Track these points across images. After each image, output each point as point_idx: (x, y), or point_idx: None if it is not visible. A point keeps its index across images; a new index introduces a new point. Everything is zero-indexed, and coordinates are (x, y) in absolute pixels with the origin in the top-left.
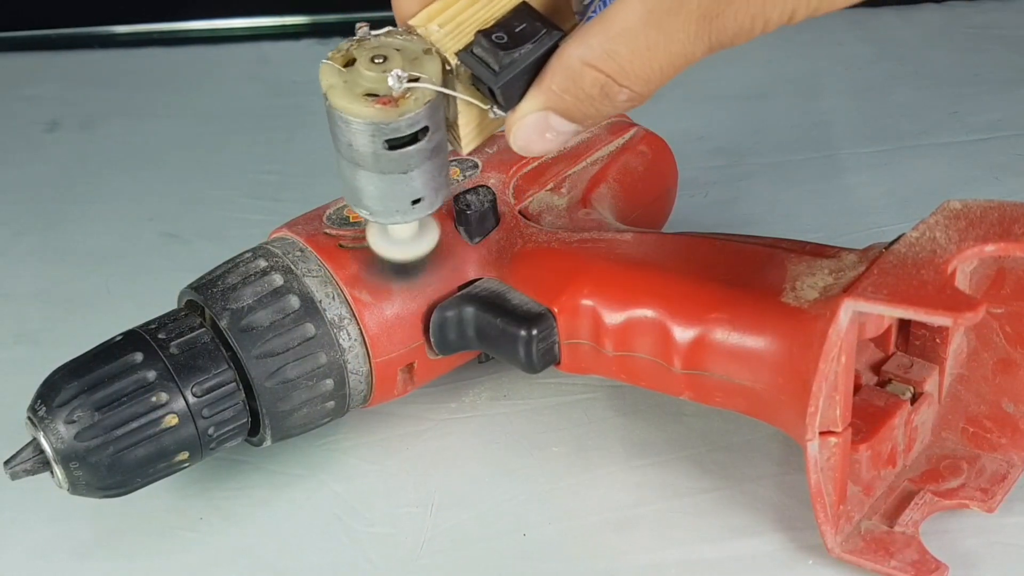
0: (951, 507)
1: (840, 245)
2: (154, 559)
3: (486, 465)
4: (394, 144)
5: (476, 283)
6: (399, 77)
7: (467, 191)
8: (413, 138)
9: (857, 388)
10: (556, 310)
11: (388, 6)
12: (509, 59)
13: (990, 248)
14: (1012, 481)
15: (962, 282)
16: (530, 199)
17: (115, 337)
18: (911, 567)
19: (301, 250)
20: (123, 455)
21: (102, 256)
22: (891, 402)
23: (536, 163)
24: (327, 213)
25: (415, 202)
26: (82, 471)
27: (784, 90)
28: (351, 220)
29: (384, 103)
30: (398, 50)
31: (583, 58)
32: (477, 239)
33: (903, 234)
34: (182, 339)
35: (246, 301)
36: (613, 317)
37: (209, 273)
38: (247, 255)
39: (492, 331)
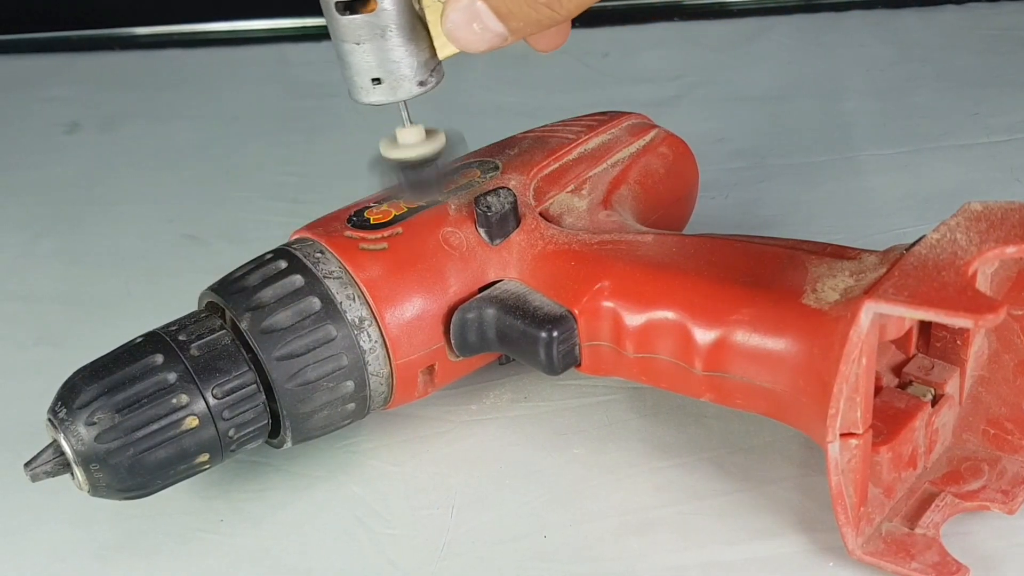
0: (972, 509)
1: (861, 247)
2: (174, 561)
3: (507, 467)
4: (344, 7)
5: (496, 285)
6: None
7: (487, 193)
8: (368, 10)
9: (878, 390)
10: (577, 312)
11: None
12: None
13: (1011, 250)
14: None
15: (983, 284)
16: (551, 201)
17: (135, 339)
18: (932, 569)
19: (322, 251)
20: (144, 457)
21: (122, 257)
22: (912, 404)
23: (557, 165)
24: (348, 215)
25: (375, 81)
26: (102, 473)
27: (805, 91)
28: (372, 222)
29: None
30: None
31: None
32: (498, 241)
33: (924, 236)
34: (203, 340)
35: (267, 302)
36: (634, 319)
37: (230, 274)
38: (268, 256)
39: (513, 333)
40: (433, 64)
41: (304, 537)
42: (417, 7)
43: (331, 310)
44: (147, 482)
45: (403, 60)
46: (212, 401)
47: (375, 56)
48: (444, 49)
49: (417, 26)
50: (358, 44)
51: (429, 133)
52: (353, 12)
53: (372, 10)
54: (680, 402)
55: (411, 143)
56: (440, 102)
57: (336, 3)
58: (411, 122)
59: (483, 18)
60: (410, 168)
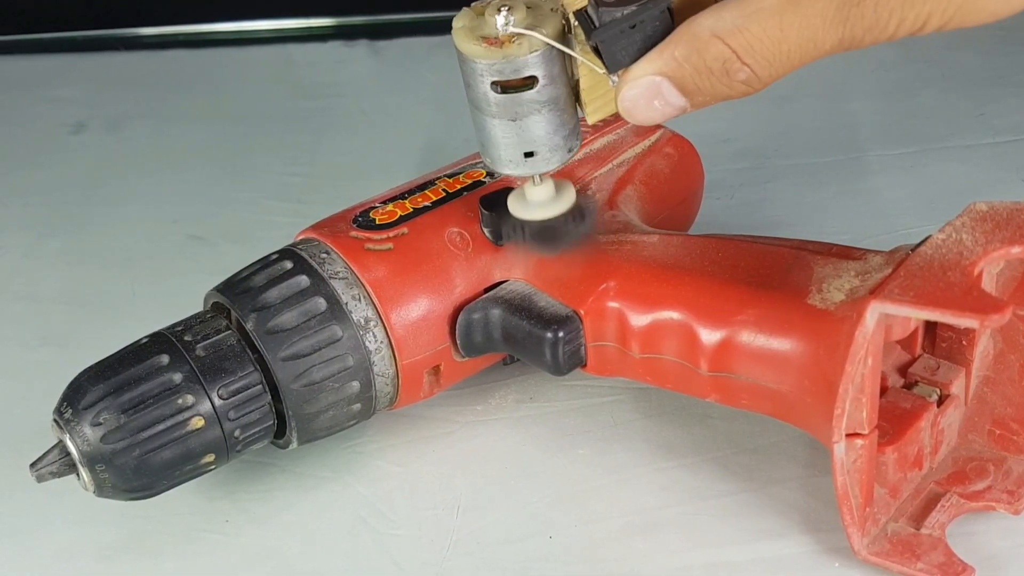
0: (977, 509)
1: (866, 247)
2: (180, 561)
3: (512, 467)
4: (503, 88)
5: (502, 285)
6: (506, 20)
7: (492, 193)
8: (523, 85)
9: (883, 390)
10: (582, 312)
11: (414, 7)
12: (610, 16)
13: (1017, 250)
14: None
15: (988, 284)
16: None
17: (141, 339)
18: (937, 569)
19: (327, 252)
20: (149, 457)
21: (128, 258)
22: (918, 404)
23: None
24: (354, 215)
25: (528, 155)
26: (108, 473)
27: (810, 92)
28: (378, 222)
29: (490, 43)
30: (529, 7)
31: (713, 29)
32: (503, 241)
33: (929, 236)
34: (208, 341)
35: (272, 303)
36: (639, 319)
37: (235, 275)
38: (273, 257)
39: (518, 333)
40: (579, 128)
41: (309, 538)
42: (570, 75)
43: (337, 310)
44: (153, 483)
45: (557, 131)
46: (218, 401)
47: (530, 131)
48: (596, 114)
49: (571, 95)
50: (513, 121)
51: (557, 187)
52: (505, 90)
53: (527, 86)
54: (685, 403)
55: (541, 201)
56: (443, 102)
57: (492, 83)
58: (542, 180)
59: (666, 95)
60: (539, 230)
